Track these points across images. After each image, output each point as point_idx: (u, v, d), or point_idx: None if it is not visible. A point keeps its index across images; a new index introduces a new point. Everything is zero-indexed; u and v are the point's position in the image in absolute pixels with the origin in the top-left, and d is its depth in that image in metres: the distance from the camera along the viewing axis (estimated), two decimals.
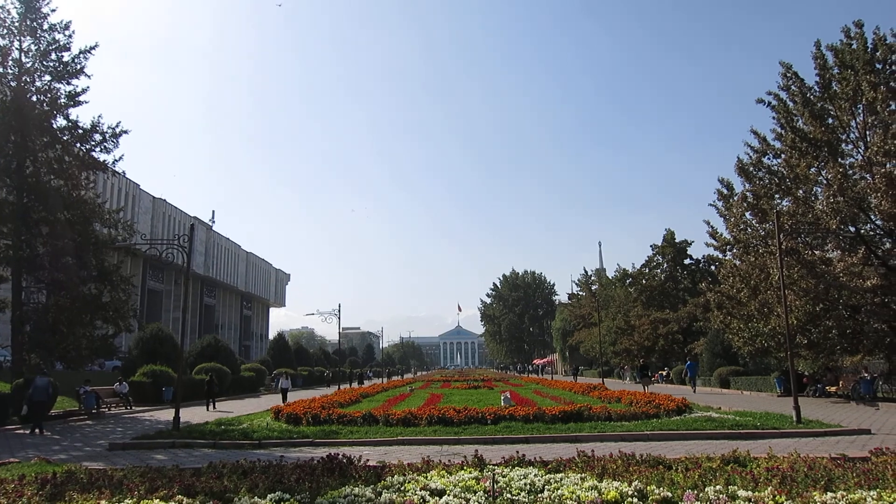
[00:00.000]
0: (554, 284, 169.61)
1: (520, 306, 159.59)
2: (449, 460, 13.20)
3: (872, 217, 32.66)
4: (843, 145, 33.90)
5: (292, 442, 19.46)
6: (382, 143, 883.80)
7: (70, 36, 34.91)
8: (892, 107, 31.42)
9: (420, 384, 61.78)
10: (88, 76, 34.87)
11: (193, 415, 31.63)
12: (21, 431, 25.59)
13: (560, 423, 21.61)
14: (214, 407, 37.13)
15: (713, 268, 66.19)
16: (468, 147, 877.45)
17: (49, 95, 34.29)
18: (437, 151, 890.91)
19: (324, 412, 23.64)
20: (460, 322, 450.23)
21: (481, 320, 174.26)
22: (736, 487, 9.71)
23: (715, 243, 39.35)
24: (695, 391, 44.97)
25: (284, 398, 42.00)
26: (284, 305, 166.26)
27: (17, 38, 34.39)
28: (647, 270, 76.40)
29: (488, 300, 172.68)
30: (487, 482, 10.37)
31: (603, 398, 30.63)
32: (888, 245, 33.85)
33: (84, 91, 34.76)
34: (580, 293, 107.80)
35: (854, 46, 33.26)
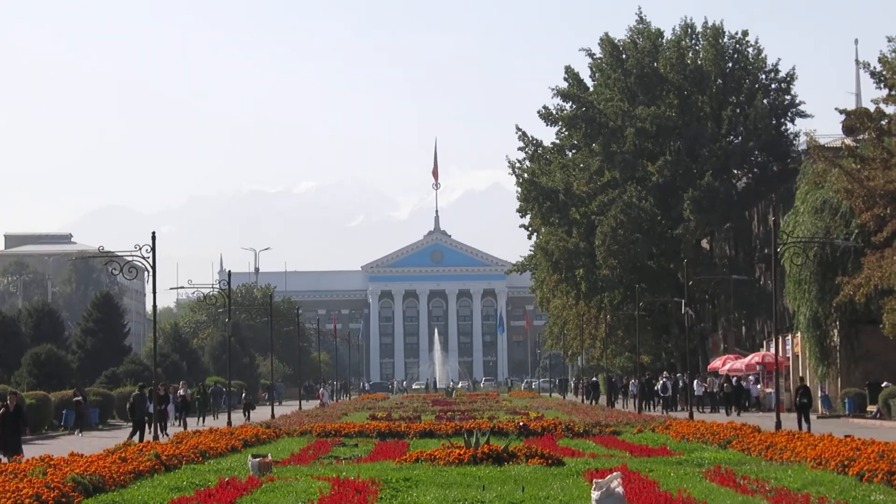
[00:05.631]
0: (791, 76, 51.53)
1: (670, 151, 49.79)
2: None
3: None
4: None
5: None
6: None
7: None
8: None
9: (302, 444, 21.64)
10: None
11: None
12: None
13: None
14: None
15: None
16: None
17: None
18: None
19: None
20: (440, 214, 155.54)
21: (521, 210, 55.51)
22: None
23: None
24: None
25: None
26: None
27: None
28: None
29: (552, 131, 55.22)
30: None
31: None
32: None
33: None
34: (886, 106, 33.30)
35: None
